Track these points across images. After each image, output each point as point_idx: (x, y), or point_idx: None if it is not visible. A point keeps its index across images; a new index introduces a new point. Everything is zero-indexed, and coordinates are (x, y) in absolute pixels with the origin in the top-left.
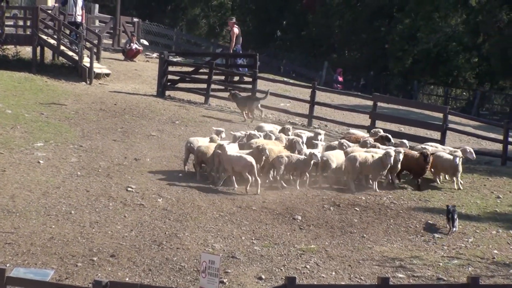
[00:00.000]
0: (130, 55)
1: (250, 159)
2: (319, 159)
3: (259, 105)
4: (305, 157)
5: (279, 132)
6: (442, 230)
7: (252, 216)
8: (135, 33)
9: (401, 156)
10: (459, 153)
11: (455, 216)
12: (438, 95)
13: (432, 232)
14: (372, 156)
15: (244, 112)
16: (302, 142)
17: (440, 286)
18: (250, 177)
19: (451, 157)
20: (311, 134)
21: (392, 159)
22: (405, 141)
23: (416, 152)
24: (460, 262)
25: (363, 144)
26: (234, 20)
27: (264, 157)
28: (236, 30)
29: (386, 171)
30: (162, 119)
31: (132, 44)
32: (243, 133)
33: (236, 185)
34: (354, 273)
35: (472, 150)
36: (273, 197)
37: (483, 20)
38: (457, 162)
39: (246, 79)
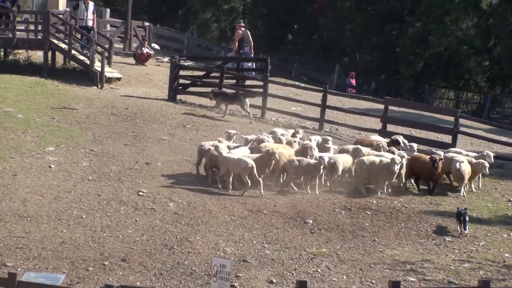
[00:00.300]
0: (141, 59)
1: (250, 161)
2: (327, 163)
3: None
4: (315, 161)
5: (291, 136)
6: (453, 234)
7: (263, 220)
8: (146, 37)
9: (404, 161)
10: (459, 157)
11: (466, 219)
12: (449, 99)
13: (443, 235)
14: (381, 161)
15: (227, 108)
16: (314, 148)
17: None
18: (249, 180)
19: (457, 161)
20: (320, 138)
21: (397, 166)
22: (414, 145)
23: (427, 157)
24: (471, 265)
25: (376, 148)
26: (241, 23)
27: (273, 161)
28: (240, 32)
29: (394, 177)
30: (173, 123)
31: (143, 48)
32: (254, 136)
33: (230, 188)
34: (365, 277)
35: (490, 154)
36: (284, 201)
37: (494, 23)
38: (458, 167)
39: (257, 83)
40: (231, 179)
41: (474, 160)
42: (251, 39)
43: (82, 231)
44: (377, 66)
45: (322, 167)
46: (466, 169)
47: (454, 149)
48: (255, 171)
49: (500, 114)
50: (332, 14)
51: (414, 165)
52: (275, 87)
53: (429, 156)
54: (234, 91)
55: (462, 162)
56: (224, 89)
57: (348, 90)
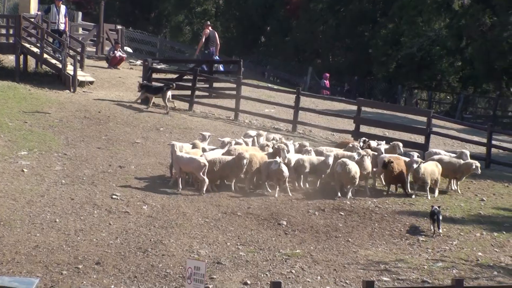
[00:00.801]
0: (114, 62)
1: (202, 160)
2: (279, 165)
3: (170, 96)
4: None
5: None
6: (427, 233)
7: (237, 222)
8: (118, 40)
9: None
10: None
11: (440, 218)
12: (422, 99)
13: (416, 235)
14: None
15: (151, 101)
16: (287, 150)
17: None
18: (204, 178)
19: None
20: (297, 144)
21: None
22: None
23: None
24: (444, 264)
25: (349, 149)
26: (209, 23)
27: (244, 164)
28: (207, 31)
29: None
30: (147, 126)
31: (115, 51)
32: (229, 139)
33: (181, 187)
34: (339, 277)
35: (467, 152)
36: (258, 203)
37: (467, 24)
38: (414, 166)
39: (230, 85)
40: (180, 179)
41: (462, 161)
42: (218, 41)
43: (56, 235)
44: (350, 67)
45: (280, 169)
46: (428, 170)
47: (435, 150)
48: (206, 170)
49: (472, 114)
50: (305, 16)
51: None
52: (248, 89)
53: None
54: (159, 86)
55: (422, 162)
56: (153, 83)
57: (323, 92)
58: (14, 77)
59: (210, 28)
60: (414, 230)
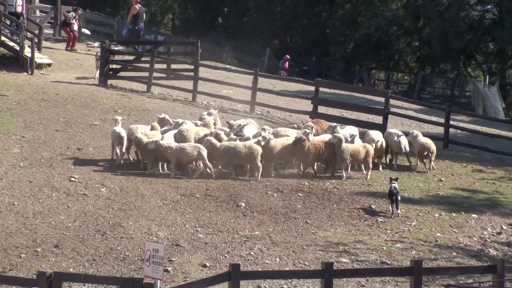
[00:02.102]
0: (70, 41)
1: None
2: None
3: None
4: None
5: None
6: (385, 214)
7: (195, 203)
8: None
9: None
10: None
11: (399, 199)
12: (380, 79)
13: (375, 216)
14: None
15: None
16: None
17: (383, 269)
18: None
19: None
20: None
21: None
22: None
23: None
24: (403, 245)
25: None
26: None
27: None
28: (136, 7)
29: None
30: (105, 108)
31: (75, 19)
32: (181, 120)
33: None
34: (298, 259)
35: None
36: (216, 185)
37: (423, 3)
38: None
39: (188, 66)
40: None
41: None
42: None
43: (14, 218)
44: (307, 48)
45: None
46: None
47: (392, 130)
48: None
49: (430, 94)
50: None
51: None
52: (206, 71)
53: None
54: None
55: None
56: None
57: (280, 72)
58: None
59: (138, 4)
60: (372, 211)
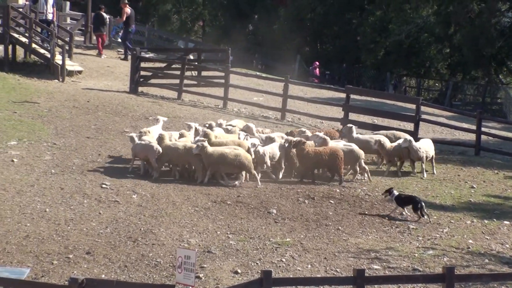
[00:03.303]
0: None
1: (156, 145)
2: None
3: None
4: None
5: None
6: (418, 221)
7: (227, 210)
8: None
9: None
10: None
11: (423, 205)
12: (411, 87)
13: (406, 223)
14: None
15: None
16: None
17: (415, 276)
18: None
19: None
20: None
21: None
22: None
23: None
24: (435, 252)
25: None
26: (126, 1)
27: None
28: (128, 10)
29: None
30: (136, 116)
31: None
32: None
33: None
34: (329, 266)
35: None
36: (247, 191)
37: (454, 10)
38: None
39: (219, 73)
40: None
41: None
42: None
43: (46, 224)
44: (338, 55)
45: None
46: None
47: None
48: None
49: (461, 101)
50: (293, 3)
51: None
52: (237, 78)
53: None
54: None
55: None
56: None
57: (311, 79)
58: (3, 67)
59: (128, 7)
60: (404, 218)
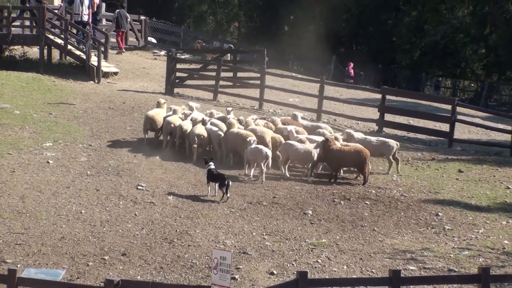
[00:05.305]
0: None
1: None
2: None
3: None
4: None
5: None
6: (453, 222)
7: (262, 211)
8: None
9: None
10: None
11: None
12: (446, 87)
13: (442, 223)
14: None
15: None
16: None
17: (451, 277)
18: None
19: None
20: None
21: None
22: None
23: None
24: (470, 253)
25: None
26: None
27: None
28: (97, 0)
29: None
30: None
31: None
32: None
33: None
34: (365, 266)
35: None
36: (283, 192)
37: (490, 11)
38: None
39: (254, 74)
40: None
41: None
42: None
43: (82, 226)
44: (373, 55)
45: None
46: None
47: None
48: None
49: (497, 101)
50: (328, 4)
51: None
52: (272, 79)
53: None
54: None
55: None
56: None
57: (346, 80)
58: (39, 68)
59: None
60: (439, 219)
